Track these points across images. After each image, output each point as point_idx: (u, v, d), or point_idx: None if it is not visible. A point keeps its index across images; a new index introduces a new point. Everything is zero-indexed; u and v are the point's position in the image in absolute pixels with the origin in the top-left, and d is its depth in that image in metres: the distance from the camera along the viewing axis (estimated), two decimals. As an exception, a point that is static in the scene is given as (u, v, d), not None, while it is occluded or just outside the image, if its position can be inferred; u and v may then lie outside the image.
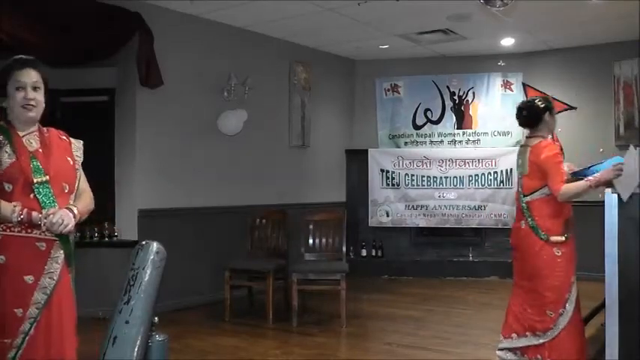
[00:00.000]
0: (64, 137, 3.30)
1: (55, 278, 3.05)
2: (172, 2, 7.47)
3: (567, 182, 4.47)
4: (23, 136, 3.11)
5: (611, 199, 5.21)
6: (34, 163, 3.04)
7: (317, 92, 10.00)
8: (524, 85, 10.29)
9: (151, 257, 1.47)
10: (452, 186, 10.18)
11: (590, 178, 4.37)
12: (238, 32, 8.57)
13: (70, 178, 3.19)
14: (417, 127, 10.65)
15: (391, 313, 7.57)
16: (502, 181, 9.84)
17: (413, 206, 10.28)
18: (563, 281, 4.49)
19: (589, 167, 5.58)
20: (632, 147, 4.34)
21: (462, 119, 10.49)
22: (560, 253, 4.47)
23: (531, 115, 4.68)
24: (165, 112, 7.65)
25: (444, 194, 10.21)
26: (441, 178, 10.22)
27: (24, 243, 2.99)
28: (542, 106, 4.67)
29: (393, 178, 10.36)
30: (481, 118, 10.37)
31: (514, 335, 4.69)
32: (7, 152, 3.01)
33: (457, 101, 10.51)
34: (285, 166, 9.41)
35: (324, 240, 7.52)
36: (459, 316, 7.36)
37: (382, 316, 7.51)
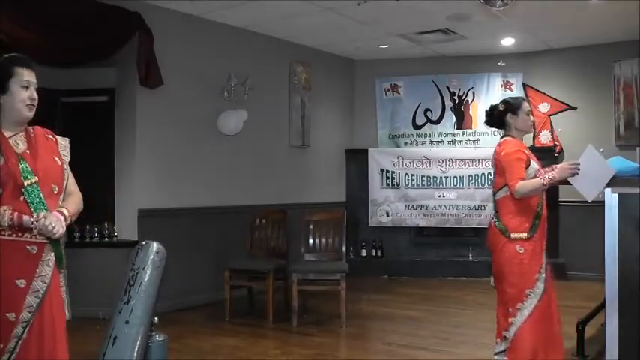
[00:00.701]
0: (51, 136, 3.24)
1: (46, 281, 3.01)
2: (172, 2, 7.47)
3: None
4: (10, 137, 3.05)
5: (611, 199, 5.22)
6: (23, 165, 3.00)
7: (317, 92, 10.00)
8: (524, 85, 10.30)
9: (151, 257, 1.48)
10: (452, 186, 10.18)
11: (543, 176, 4.35)
12: (238, 32, 8.58)
13: (58, 179, 3.16)
14: (417, 127, 10.65)
15: (391, 313, 7.57)
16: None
17: (413, 206, 10.28)
18: (525, 277, 4.44)
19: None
20: (590, 146, 4.30)
21: (462, 119, 10.49)
22: (522, 250, 4.44)
23: (492, 118, 4.72)
24: (165, 112, 7.65)
25: (444, 194, 10.21)
26: (440, 178, 10.22)
27: (15, 247, 2.95)
28: (502, 108, 4.67)
29: (393, 178, 10.36)
30: (481, 118, 10.34)
31: (497, 339, 4.68)
32: None
33: (457, 101, 10.51)
34: (285, 166, 9.41)
35: (324, 240, 7.52)
36: (458, 316, 7.36)
37: (382, 316, 7.51)
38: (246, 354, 5.82)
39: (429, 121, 10.63)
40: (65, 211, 3.08)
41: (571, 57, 9.95)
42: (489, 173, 9.92)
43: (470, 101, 10.47)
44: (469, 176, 10.09)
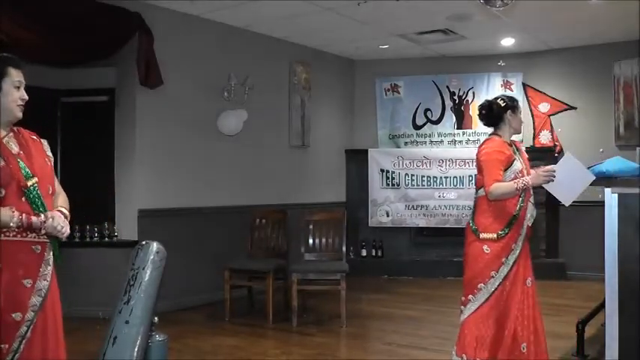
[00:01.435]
0: (35, 137, 3.24)
1: (48, 280, 3.05)
2: (172, 2, 7.47)
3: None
4: (2, 138, 3.05)
5: (611, 199, 5.22)
6: (21, 165, 3.02)
7: (317, 92, 10.00)
8: (524, 85, 10.30)
9: (151, 257, 1.48)
10: (452, 186, 10.18)
11: (518, 180, 4.33)
12: (238, 32, 8.58)
13: (51, 180, 3.19)
14: (417, 127, 10.65)
15: (390, 313, 7.57)
16: (502, 181, 9.83)
17: (413, 206, 10.28)
18: (481, 271, 4.44)
19: (589, 167, 5.58)
20: (568, 154, 4.34)
21: (462, 119, 10.50)
22: (488, 251, 4.43)
23: (491, 114, 4.61)
24: (165, 112, 7.65)
25: (444, 194, 10.21)
26: (440, 178, 10.21)
27: (21, 247, 2.98)
28: (503, 104, 4.60)
29: (393, 178, 10.36)
30: (481, 119, 10.34)
31: None
32: None
33: (457, 101, 10.51)
34: (285, 166, 9.42)
35: (324, 240, 7.52)
36: (458, 316, 7.34)
37: (382, 316, 7.51)
38: (246, 354, 5.82)
39: (429, 121, 10.63)
40: (65, 211, 3.13)
41: (571, 57, 9.95)
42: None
43: (470, 101, 10.47)
44: (469, 176, 10.08)
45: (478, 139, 10.33)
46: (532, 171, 4.45)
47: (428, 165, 10.23)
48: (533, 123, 10.22)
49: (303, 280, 6.93)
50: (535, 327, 4.47)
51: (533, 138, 10.13)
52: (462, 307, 4.55)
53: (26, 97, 3.11)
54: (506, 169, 4.42)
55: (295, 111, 9.61)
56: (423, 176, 10.25)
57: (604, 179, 5.29)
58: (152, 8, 7.40)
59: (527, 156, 4.70)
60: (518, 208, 4.44)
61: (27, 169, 3.01)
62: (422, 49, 10.01)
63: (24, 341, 2.96)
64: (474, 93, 10.46)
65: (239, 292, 7.51)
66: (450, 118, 10.54)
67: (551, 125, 10.10)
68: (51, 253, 3.08)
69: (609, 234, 5.21)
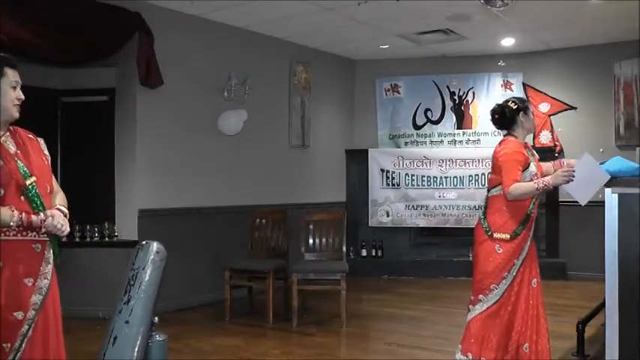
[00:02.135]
0: (32, 136, 3.24)
1: (49, 279, 3.06)
2: (172, 2, 7.47)
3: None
4: (0, 138, 3.05)
5: (611, 199, 5.22)
6: (19, 165, 3.01)
7: (317, 92, 10.00)
8: (524, 85, 10.29)
9: (151, 257, 1.48)
10: (452, 186, 10.18)
11: (538, 181, 4.36)
12: (238, 32, 8.58)
13: (49, 179, 3.19)
14: (417, 127, 10.65)
15: (391, 313, 7.57)
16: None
17: (413, 206, 10.28)
18: (493, 271, 4.47)
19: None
20: (587, 154, 4.33)
21: (462, 119, 10.49)
22: (500, 251, 4.47)
23: (504, 117, 4.65)
24: (165, 112, 7.65)
25: (444, 194, 10.21)
26: (441, 178, 10.21)
27: (21, 246, 2.98)
28: (515, 107, 4.63)
29: (393, 178, 10.36)
30: (481, 118, 10.36)
31: None
32: None
33: (457, 101, 10.51)
34: (286, 166, 9.42)
35: (324, 240, 7.53)
36: (459, 316, 7.31)
37: (382, 316, 7.51)
38: (246, 354, 5.82)
39: (429, 121, 10.63)
40: (64, 209, 3.13)
41: (571, 57, 9.95)
42: (489, 173, 9.94)
43: (470, 101, 10.47)
44: (469, 176, 10.09)
45: (478, 139, 10.34)
46: (563, 160, 4.62)
47: (428, 165, 10.23)
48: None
49: (304, 280, 6.93)
50: (538, 327, 4.49)
51: (534, 138, 10.13)
52: (471, 306, 4.58)
53: (22, 96, 3.11)
54: (524, 170, 4.45)
55: (295, 111, 9.61)
56: (423, 176, 10.25)
57: (604, 179, 5.30)
58: (152, 8, 7.40)
59: (538, 157, 4.73)
60: (531, 207, 4.50)
61: (25, 169, 3.02)
62: (422, 49, 10.01)
63: (25, 340, 2.97)
64: (474, 93, 10.46)
65: (239, 292, 7.51)
66: (450, 118, 10.54)
67: (551, 125, 10.10)
68: (51, 252, 3.09)
69: (609, 234, 5.21)
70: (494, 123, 4.80)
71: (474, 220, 9.86)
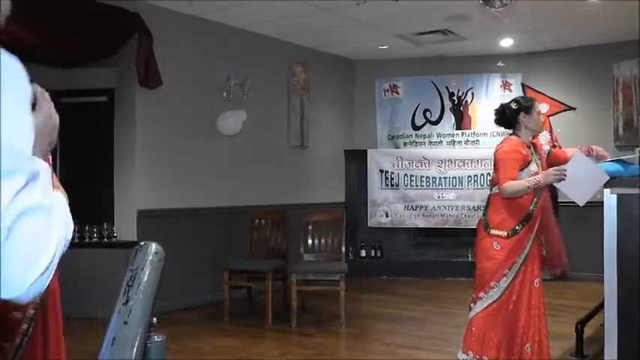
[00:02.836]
0: None
1: None
2: (172, 2, 7.48)
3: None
4: None
5: (610, 200, 5.22)
6: None
7: (316, 93, 10.00)
8: (523, 85, 10.30)
9: (150, 258, 1.48)
10: (451, 186, 10.18)
11: (530, 179, 4.38)
12: (238, 32, 8.58)
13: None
14: (416, 128, 10.66)
15: (390, 314, 7.57)
16: (501, 182, 9.82)
17: (412, 207, 10.28)
18: (491, 267, 4.49)
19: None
20: (579, 153, 4.39)
21: (461, 120, 10.50)
22: (498, 248, 4.48)
23: (504, 117, 4.74)
24: (165, 112, 7.65)
25: (443, 195, 10.21)
26: (440, 178, 10.22)
27: None
28: (515, 107, 4.69)
29: (392, 179, 10.36)
30: (480, 119, 10.37)
31: None
32: None
33: (456, 102, 10.52)
34: (285, 166, 9.42)
35: (323, 240, 7.53)
36: (458, 317, 7.34)
37: (381, 316, 7.51)
38: (245, 355, 5.82)
39: (428, 121, 10.63)
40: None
41: (570, 58, 9.95)
42: (488, 174, 9.94)
43: (469, 102, 10.48)
44: (468, 177, 10.09)
45: (477, 140, 10.35)
46: (575, 151, 4.65)
47: (427, 165, 10.23)
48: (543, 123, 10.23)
49: (303, 280, 6.93)
50: (539, 327, 4.51)
51: (532, 138, 10.13)
52: (472, 304, 4.60)
53: None
54: (521, 169, 4.46)
55: (294, 111, 9.61)
56: (422, 177, 10.25)
57: (603, 180, 5.31)
58: (152, 8, 7.40)
59: (545, 157, 4.77)
60: (532, 206, 4.50)
61: None
62: (421, 50, 10.02)
63: (25, 338, 2.96)
64: (473, 94, 10.47)
65: (238, 293, 7.51)
66: (449, 118, 10.54)
67: (550, 126, 10.10)
68: None
69: (608, 234, 5.22)
70: (496, 122, 4.89)
71: (474, 221, 9.98)
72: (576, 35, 9.22)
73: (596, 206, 5.40)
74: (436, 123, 10.60)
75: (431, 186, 10.23)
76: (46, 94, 1.46)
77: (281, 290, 7.52)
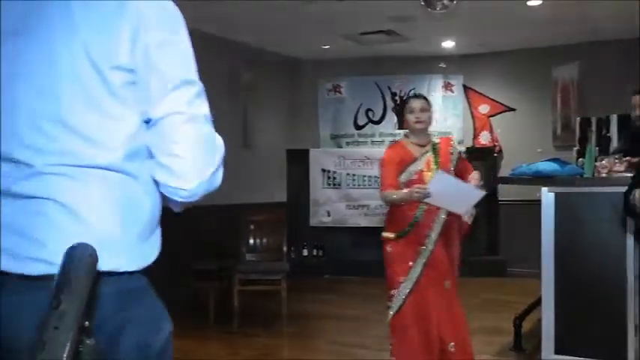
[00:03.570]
0: None
1: None
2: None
3: None
4: None
5: (548, 198, 5.33)
6: None
7: (259, 92, 9.95)
8: (464, 87, 10.44)
9: (82, 260, 1.42)
10: (394, 186, 10.22)
11: (397, 192, 4.37)
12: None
13: None
14: (358, 128, 10.70)
15: (335, 313, 7.57)
16: (442, 181, 9.88)
17: (354, 206, 10.30)
18: (390, 277, 4.53)
19: (519, 167, 5.72)
20: (438, 172, 4.26)
21: (403, 120, 10.54)
22: (389, 250, 4.51)
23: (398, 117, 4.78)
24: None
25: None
26: (382, 178, 10.25)
27: None
28: (397, 108, 4.76)
29: (334, 178, 10.36)
30: (422, 119, 10.45)
31: None
32: None
33: (398, 102, 10.57)
34: (227, 165, 9.27)
35: (265, 240, 7.50)
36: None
37: (326, 315, 7.51)
38: (189, 356, 5.74)
39: (370, 121, 10.68)
40: None
41: (510, 60, 10.12)
42: (430, 173, 10.05)
43: (411, 102, 10.55)
44: (410, 176, 10.17)
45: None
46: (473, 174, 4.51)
47: (369, 165, 10.25)
48: (474, 124, 10.38)
49: (245, 280, 6.89)
50: (459, 327, 4.44)
51: (474, 138, 10.29)
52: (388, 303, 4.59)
53: None
54: (403, 171, 4.42)
55: (237, 110, 9.54)
56: (364, 176, 10.28)
57: (541, 179, 5.42)
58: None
59: (451, 155, 4.58)
60: (418, 211, 4.39)
61: None
62: (364, 50, 10.05)
63: None
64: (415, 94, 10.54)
65: (182, 293, 7.41)
66: (392, 118, 10.60)
67: (490, 126, 10.26)
68: None
69: (546, 232, 5.33)
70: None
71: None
72: (517, 38, 9.36)
73: (535, 204, 5.51)
74: (378, 123, 10.65)
75: (373, 185, 10.24)
76: None
77: (225, 290, 7.46)
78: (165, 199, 1.69)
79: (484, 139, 10.28)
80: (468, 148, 9.99)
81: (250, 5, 7.62)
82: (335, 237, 10.43)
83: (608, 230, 5.07)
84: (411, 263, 4.39)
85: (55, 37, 1.48)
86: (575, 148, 7.02)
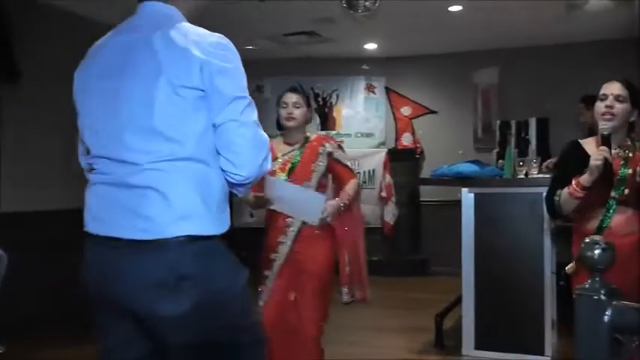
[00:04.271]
0: None
1: None
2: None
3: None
4: None
5: (467, 199, 5.44)
6: None
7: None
8: (387, 89, 10.54)
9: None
10: (317, 186, 10.23)
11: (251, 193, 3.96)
12: (102, 28, 8.22)
13: None
14: (281, 128, 10.64)
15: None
16: (365, 182, 9.93)
17: (279, 207, 10.23)
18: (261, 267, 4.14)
19: (441, 168, 5.82)
20: (270, 179, 4.04)
21: (326, 120, 10.60)
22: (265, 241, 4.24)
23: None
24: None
25: (309, 194, 10.23)
26: (305, 178, 10.23)
27: None
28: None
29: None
30: (345, 120, 10.54)
31: None
32: None
33: (321, 103, 10.61)
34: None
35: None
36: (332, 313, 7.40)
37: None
38: None
39: (294, 122, 10.64)
40: None
41: (432, 63, 10.22)
42: (354, 174, 10.10)
43: (334, 103, 10.61)
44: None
45: (342, 140, 10.47)
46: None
47: (292, 166, 10.23)
48: (396, 126, 10.50)
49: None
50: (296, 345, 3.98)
51: (396, 140, 10.42)
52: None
53: None
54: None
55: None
56: (286, 176, 10.23)
57: (461, 179, 5.53)
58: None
59: (318, 155, 4.40)
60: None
61: None
62: (288, 51, 10.03)
63: None
64: (337, 95, 10.60)
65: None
66: (315, 119, 10.61)
67: (412, 128, 10.40)
68: None
69: (466, 231, 5.44)
70: None
71: (339, 220, 10.07)
72: (439, 42, 9.46)
73: (456, 204, 5.61)
74: (302, 123, 10.63)
75: (296, 185, 10.25)
76: None
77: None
78: (230, 186, 2.19)
79: (406, 140, 10.40)
80: (390, 149, 10.11)
81: (172, 4, 7.48)
82: (259, 238, 10.32)
83: (526, 229, 5.22)
84: (272, 255, 4.06)
85: (147, 74, 2.08)
86: (495, 150, 7.17)
